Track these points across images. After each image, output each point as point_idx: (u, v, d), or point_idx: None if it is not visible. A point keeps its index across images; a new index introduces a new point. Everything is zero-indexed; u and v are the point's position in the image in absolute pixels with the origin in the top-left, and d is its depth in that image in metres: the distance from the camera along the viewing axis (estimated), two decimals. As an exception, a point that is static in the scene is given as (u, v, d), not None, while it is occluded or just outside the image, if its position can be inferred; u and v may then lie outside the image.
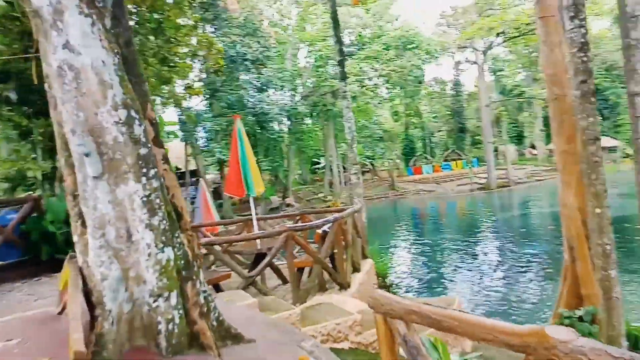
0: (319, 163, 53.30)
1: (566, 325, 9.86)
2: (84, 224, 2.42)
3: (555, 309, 10.56)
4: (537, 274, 15.42)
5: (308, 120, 44.73)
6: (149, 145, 2.38)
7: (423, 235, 25.71)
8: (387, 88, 44.00)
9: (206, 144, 27.99)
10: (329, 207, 38.98)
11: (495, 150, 45.51)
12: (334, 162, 44.55)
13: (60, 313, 3.06)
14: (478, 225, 26.76)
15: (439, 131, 56.29)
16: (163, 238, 2.37)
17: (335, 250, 6.05)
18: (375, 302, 2.35)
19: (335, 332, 4.57)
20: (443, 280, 15.28)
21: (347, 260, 6.22)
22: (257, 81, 24.15)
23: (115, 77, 2.27)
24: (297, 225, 5.73)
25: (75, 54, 2.24)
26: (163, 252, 2.37)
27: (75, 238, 2.50)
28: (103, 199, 2.25)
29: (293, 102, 28.72)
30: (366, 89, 40.75)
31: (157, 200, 2.36)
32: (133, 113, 2.30)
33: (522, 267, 16.67)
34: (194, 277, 2.61)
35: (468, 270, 16.77)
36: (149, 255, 2.30)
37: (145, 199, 2.28)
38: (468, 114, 53.29)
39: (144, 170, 2.31)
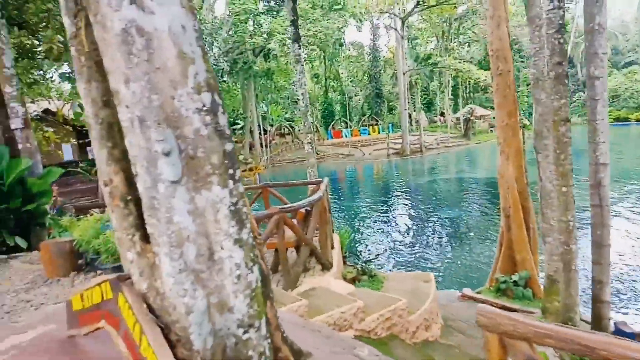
0: (236, 124, 51.51)
1: (503, 289, 10.69)
2: (145, 239, 1.86)
3: (491, 274, 11.43)
4: (461, 237, 16.61)
5: (225, 79, 42.62)
6: (232, 139, 1.85)
7: (353, 200, 26.33)
8: (309, 49, 43.19)
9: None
10: (250, 169, 38.36)
11: (409, 116, 47.57)
12: (255, 124, 43.38)
13: (71, 337, 2.43)
14: (404, 189, 27.97)
15: (356, 96, 57.18)
16: (251, 254, 1.91)
17: (318, 230, 5.78)
18: (491, 322, 2.13)
19: (341, 320, 4.38)
20: (386, 248, 15.81)
21: (329, 239, 5.98)
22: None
23: (196, 48, 1.69)
24: (286, 206, 5.31)
25: (146, 14, 1.61)
26: (252, 272, 1.92)
27: (129, 256, 1.92)
28: (181, 209, 1.72)
29: (215, 58, 26.93)
30: (287, 48, 39.67)
31: (244, 209, 1.88)
32: (217, 97, 1.76)
33: (451, 231, 17.84)
34: (271, 295, 2.19)
35: (403, 236, 17.54)
36: (238, 277, 1.84)
37: (232, 207, 1.79)
38: (383, 80, 54.72)
39: (230, 171, 1.80)
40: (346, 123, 53.39)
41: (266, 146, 45.77)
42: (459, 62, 39.52)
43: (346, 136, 50.15)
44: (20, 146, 6.24)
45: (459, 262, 14.06)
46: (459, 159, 41.40)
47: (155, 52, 1.62)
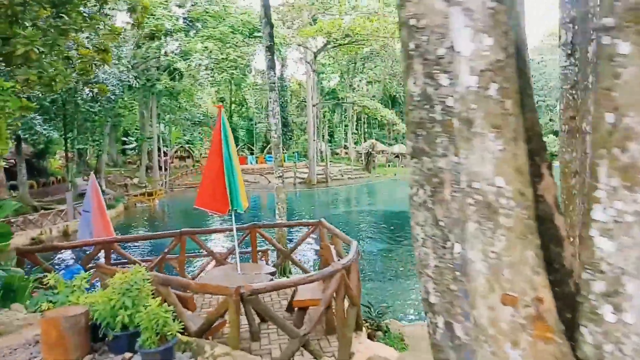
0: (127, 143, 47.23)
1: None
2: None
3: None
4: (394, 271, 16.77)
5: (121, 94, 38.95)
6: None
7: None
8: (216, 72, 41.76)
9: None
10: (150, 194, 35.05)
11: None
12: (154, 144, 40.11)
13: None
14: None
15: (260, 123, 56.68)
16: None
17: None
18: None
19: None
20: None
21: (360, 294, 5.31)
22: (89, 43, 19.59)
23: None
24: (344, 262, 4.49)
25: None
26: None
27: None
28: None
29: (125, 72, 24.47)
30: (192, 70, 37.91)
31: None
32: None
33: (380, 265, 17.91)
34: None
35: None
36: None
37: None
38: (290, 110, 55.28)
39: None
40: (251, 150, 52.53)
41: (165, 169, 42.53)
42: (367, 100, 41.60)
43: (251, 163, 49.12)
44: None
45: (402, 298, 14.04)
46: (365, 191, 42.96)
47: None
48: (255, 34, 29.86)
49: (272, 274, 5.20)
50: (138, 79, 34.41)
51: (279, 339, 4.99)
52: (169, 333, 3.30)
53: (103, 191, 33.84)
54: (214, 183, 5.11)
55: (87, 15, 6.18)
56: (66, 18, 5.72)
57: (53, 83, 5.53)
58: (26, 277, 5.18)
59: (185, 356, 3.34)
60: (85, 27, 5.75)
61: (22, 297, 5.04)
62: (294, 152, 51.33)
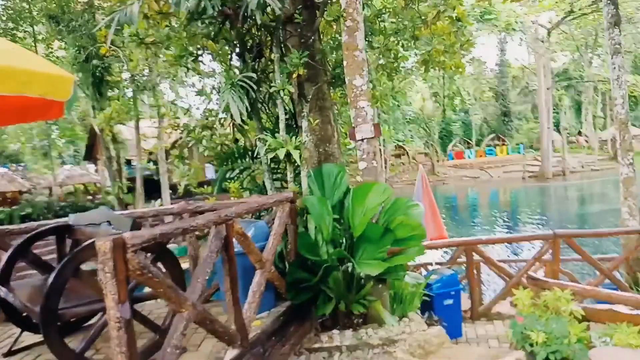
0: (347, 144, 49.87)
1: None
2: None
3: None
4: None
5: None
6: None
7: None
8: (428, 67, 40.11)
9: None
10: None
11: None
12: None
13: None
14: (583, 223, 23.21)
15: (475, 114, 52.93)
16: None
17: None
18: None
19: None
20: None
21: None
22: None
23: None
24: None
25: None
26: None
27: None
28: None
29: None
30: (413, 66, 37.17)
31: None
32: None
33: None
34: None
35: None
36: None
37: None
38: (511, 97, 50.16)
39: None
40: (468, 143, 49.47)
41: (385, 167, 43.33)
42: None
43: (469, 157, 46.14)
44: (363, 165, 4.17)
45: None
46: (613, 186, 35.39)
47: None
48: (486, 17, 27.22)
49: None
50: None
51: None
52: None
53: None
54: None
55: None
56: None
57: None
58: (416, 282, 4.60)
59: None
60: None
61: (411, 304, 4.46)
62: (517, 144, 46.15)
